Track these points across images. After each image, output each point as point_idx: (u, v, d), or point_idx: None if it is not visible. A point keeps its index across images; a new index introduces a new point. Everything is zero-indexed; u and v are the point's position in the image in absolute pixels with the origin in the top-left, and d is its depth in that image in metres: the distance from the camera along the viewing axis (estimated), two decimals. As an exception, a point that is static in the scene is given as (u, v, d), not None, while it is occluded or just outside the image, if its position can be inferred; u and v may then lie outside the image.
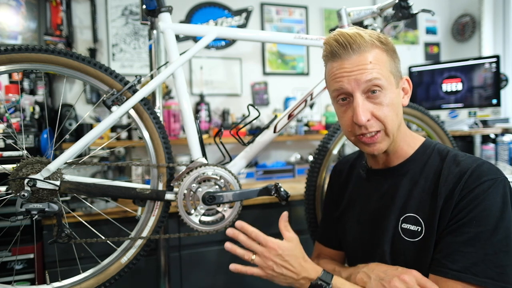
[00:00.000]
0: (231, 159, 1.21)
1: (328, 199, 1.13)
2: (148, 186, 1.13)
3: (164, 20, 1.16)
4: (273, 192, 1.12)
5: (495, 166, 0.79)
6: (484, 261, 0.71)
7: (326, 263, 1.02)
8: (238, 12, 2.56)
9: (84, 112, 2.22)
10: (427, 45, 3.09)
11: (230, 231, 0.89)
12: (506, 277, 0.70)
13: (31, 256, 1.53)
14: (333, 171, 1.14)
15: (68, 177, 1.03)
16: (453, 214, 0.76)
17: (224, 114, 2.49)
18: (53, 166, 0.97)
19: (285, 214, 0.91)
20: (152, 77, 1.33)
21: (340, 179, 1.08)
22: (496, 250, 0.71)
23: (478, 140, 2.26)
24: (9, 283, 1.13)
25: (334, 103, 0.87)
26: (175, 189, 1.12)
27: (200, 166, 1.11)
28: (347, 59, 0.80)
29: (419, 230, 0.81)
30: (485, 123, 2.36)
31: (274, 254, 0.83)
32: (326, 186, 1.35)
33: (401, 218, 0.84)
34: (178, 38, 2.33)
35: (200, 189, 1.11)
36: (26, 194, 0.92)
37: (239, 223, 0.90)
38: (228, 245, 0.88)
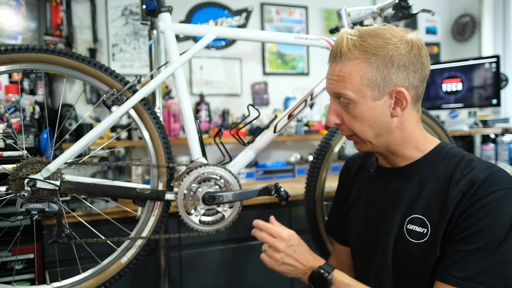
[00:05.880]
0: (231, 159, 1.21)
1: (337, 193, 1.13)
2: (148, 186, 1.13)
3: (164, 20, 1.16)
4: (273, 192, 1.12)
5: (510, 175, 0.77)
6: (490, 271, 0.71)
7: None
8: (238, 12, 2.56)
9: (84, 112, 2.22)
10: (427, 45, 3.09)
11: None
12: None
13: (31, 256, 1.53)
14: (344, 166, 1.13)
15: (68, 177, 1.03)
16: (460, 219, 0.75)
17: (224, 114, 2.49)
18: (53, 166, 0.96)
19: (272, 218, 0.96)
20: (152, 77, 1.33)
21: (350, 174, 1.08)
22: (503, 261, 0.71)
23: (478, 140, 2.25)
24: (9, 283, 1.13)
25: None
26: (175, 189, 1.12)
27: (200, 166, 1.11)
28: (330, 65, 0.86)
29: (424, 232, 0.80)
30: (485, 123, 2.35)
31: (285, 245, 0.88)
32: (326, 185, 1.35)
33: (407, 219, 0.83)
34: (178, 38, 2.33)
35: (200, 189, 1.11)
36: (26, 194, 0.92)
37: (255, 222, 0.95)
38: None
